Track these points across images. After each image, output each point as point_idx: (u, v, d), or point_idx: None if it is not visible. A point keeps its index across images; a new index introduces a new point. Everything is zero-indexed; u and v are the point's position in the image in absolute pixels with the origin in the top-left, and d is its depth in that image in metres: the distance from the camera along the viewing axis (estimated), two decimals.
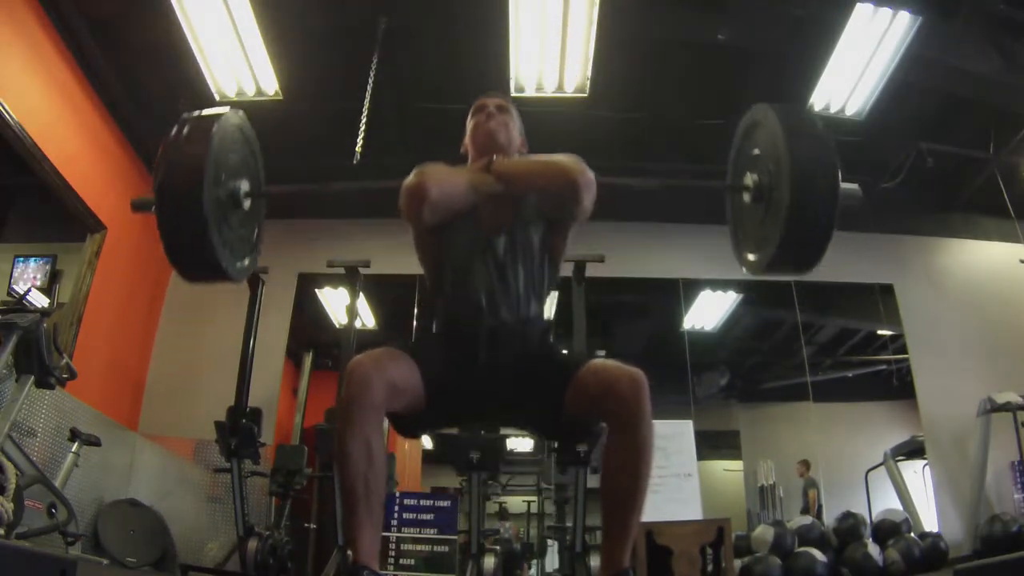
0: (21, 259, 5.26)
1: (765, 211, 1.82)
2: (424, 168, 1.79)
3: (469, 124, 2.08)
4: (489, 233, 1.89)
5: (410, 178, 1.78)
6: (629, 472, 1.60)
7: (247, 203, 1.88)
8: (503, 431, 4.41)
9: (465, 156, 2.09)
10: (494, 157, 1.96)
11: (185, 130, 1.72)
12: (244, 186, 1.86)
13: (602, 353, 6.75)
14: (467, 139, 2.08)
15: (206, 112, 1.78)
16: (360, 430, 1.55)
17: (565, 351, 1.97)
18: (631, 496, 1.60)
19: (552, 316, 5.56)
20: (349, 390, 1.56)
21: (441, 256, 1.93)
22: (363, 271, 4.72)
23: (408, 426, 1.86)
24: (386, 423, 1.71)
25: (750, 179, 1.86)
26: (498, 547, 5.28)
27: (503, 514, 6.39)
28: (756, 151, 1.88)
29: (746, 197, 1.89)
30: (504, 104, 2.09)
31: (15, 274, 5.20)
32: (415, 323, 5.95)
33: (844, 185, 1.71)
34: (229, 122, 1.80)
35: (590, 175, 1.80)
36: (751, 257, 1.95)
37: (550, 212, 1.93)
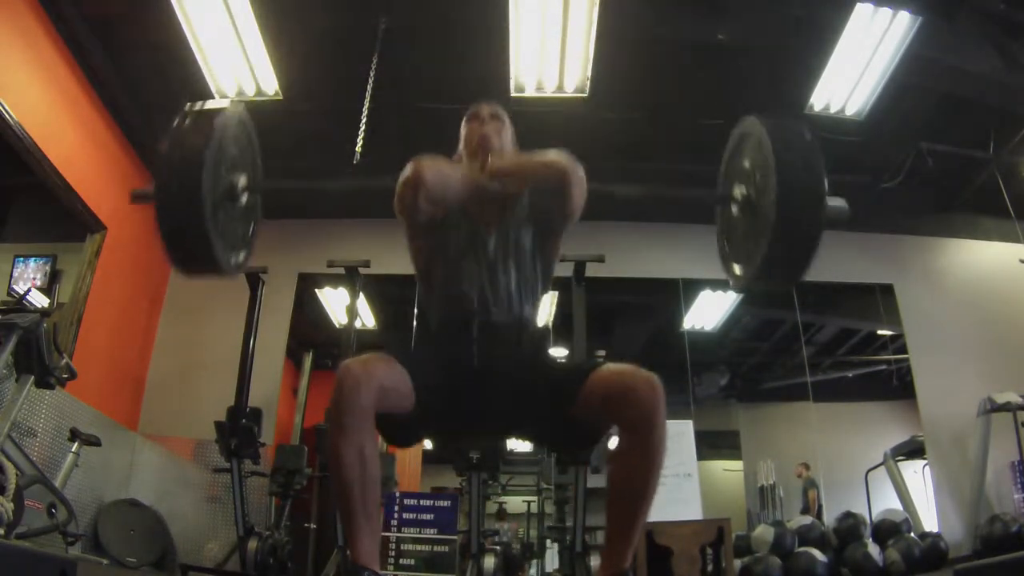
0: (21, 259, 5.27)
1: (752, 224, 1.80)
2: (420, 159, 1.79)
3: (464, 130, 2.12)
4: (481, 232, 1.91)
5: (406, 168, 1.78)
6: (641, 476, 1.60)
7: (244, 197, 1.88)
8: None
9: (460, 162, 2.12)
10: (489, 156, 1.97)
11: (187, 121, 1.73)
12: (242, 180, 1.85)
13: (602, 354, 6.79)
14: (461, 144, 2.12)
15: (209, 105, 1.79)
16: (352, 437, 1.53)
17: (564, 360, 1.96)
18: (640, 499, 1.61)
19: (552, 317, 5.56)
20: (339, 396, 1.54)
21: (433, 255, 1.95)
22: (363, 271, 4.72)
23: (397, 436, 1.84)
24: None
25: (738, 191, 1.86)
26: (498, 548, 5.29)
27: (502, 514, 6.41)
28: (746, 163, 1.85)
29: (734, 209, 1.89)
30: (497, 112, 2.12)
31: (15, 274, 5.20)
32: (415, 323, 5.95)
33: (831, 201, 1.69)
34: (230, 115, 1.79)
35: (581, 172, 1.81)
36: (737, 270, 1.94)
37: (542, 210, 1.95)
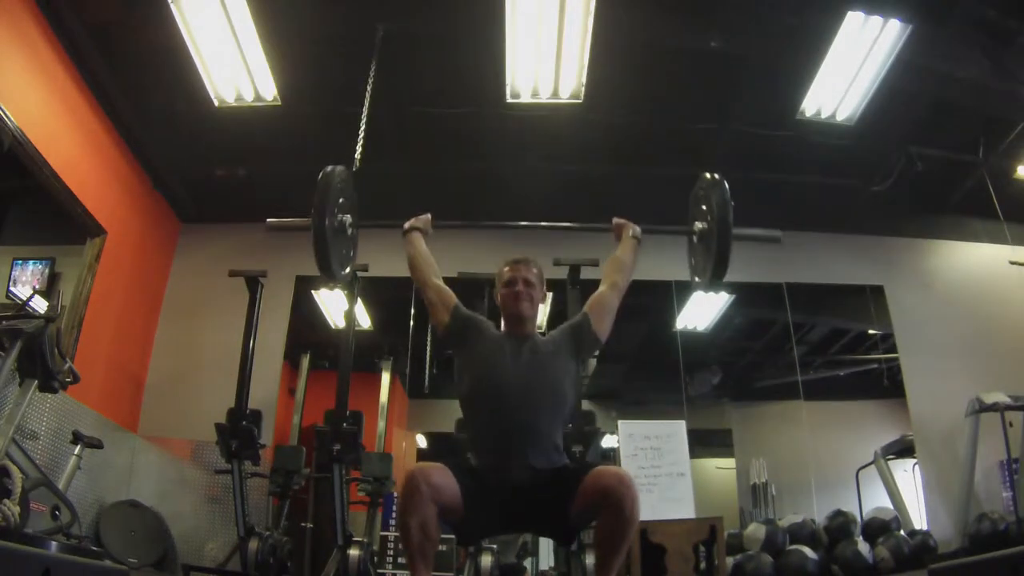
0: (19, 262, 5.27)
1: (705, 250, 2.84)
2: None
3: (500, 284, 2.55)
4: (516, 369, 2.38)
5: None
6: (616, 540, 2.11)
7: (350, 231, 2.83)
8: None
9: (497, 308, 2.60)
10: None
11: (320, 178, 2.61)
12: (348, 219, 2.79)
13: (594, 358, 6.81)
14: (500, 296, 2.55)
15: (328, 170, 2.65)
16: (417, 514, 2.03)
17: (569, 465, 2.38)
18: (614, 555, 2.13)
19: (547, 318, 5.61)
20: (405, 489, 2.06)
21: (472, 388, 2.42)
22: (360, 274, 4.76)
23: (463, 536, 2.39)
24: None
25: (698, 226, 2.90)
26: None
27: None
28: (703, 207, 2.83)
29: (695, 239, 2.95)
30: (531, 279, 2.53)
31: (13, 276, 5.21)
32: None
33: (767, 231, 3.03)
34: (338, 175, 2.67)
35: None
36: (697, 279, 3.07)
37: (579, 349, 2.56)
